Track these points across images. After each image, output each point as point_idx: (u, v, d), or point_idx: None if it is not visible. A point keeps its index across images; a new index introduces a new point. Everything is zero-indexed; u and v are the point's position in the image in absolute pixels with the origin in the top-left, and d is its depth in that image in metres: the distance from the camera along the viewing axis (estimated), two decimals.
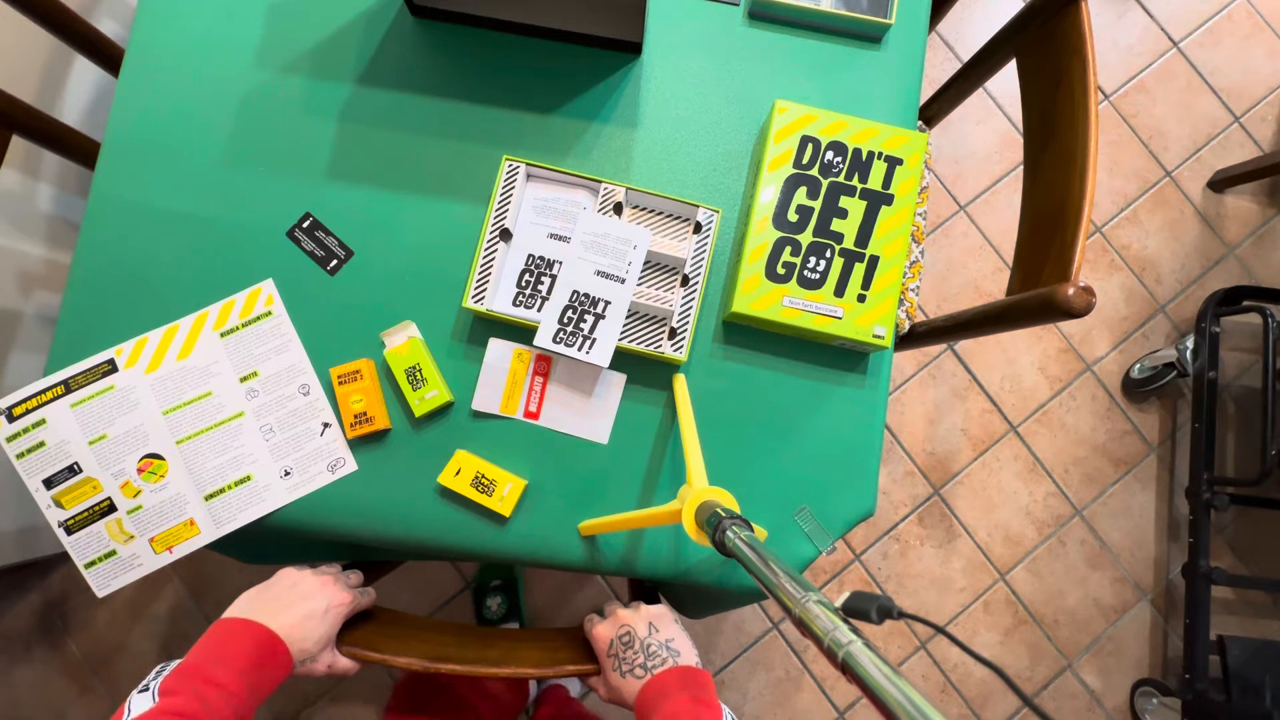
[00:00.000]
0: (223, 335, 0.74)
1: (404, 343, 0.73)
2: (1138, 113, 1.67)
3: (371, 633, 0.74)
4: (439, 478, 0.73)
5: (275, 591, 0.65)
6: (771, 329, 0.76)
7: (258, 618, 0.60)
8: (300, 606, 0.63)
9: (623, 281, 0.71)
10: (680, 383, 0.74)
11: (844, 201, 0.74)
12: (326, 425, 0.74)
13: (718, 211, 0.74)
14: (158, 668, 0.56)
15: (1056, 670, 1.53)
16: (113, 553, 0.71)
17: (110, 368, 0.72)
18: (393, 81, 0.79)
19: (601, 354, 0.70)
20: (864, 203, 0.74)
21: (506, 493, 0.73)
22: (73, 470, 0.70)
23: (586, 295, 0.70)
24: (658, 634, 0.66)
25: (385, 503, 0.74)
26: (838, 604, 0.41)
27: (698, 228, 0.74)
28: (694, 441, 0.65)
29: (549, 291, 0.73)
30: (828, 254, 0.73)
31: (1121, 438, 1.60)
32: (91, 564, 0.71)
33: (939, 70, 1.65)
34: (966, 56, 1.07)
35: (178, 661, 0.56)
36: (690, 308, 0.73)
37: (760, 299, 0.72)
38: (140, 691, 0.53)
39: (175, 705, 0.50)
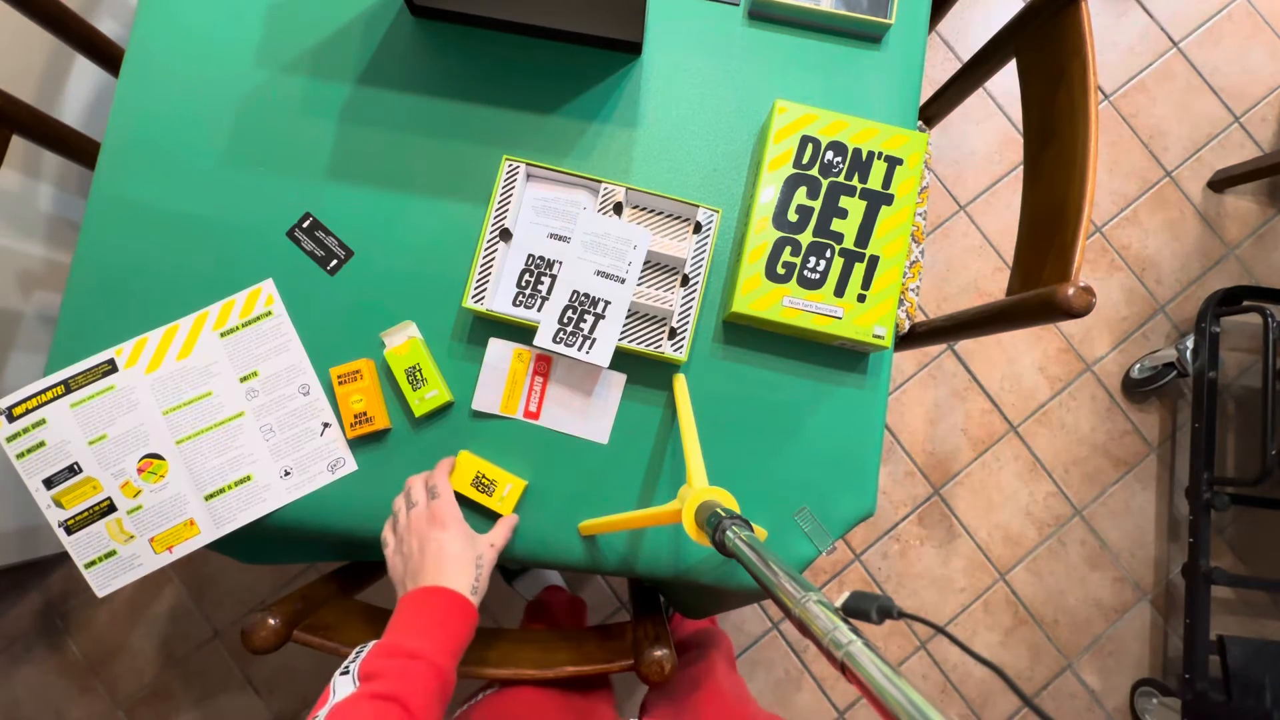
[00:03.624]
0: (223, 335, 0.74)
1: (404, 343, 0.73)
2: (1138, 113, 1.67)
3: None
4: None
5: (433, 559, 0.62)
6: (771, 329, 0.76)
7: (438, 582, 0.59)
8: (459, 568, 0.61)
9: (623, 281, 0.71)
10: (680, 383, 0.74)
11: (844, 201, 0.74)
12: (326, 425, 0.74)
13: (718, 211, 0.74)
14: (356, 650, 0.55)
15: (1056, 670, 1.53)
16: (113, 553, 0.71)
17: (110, 368, 0.72)
18: (393, 81, 0.79)
19: (601, 354, 0.70)
20: (864, 203, 0.74)
21: (506, 493, 0.73)
22: (73, 470, 0.70)
23: (586, 295, 0.70)
24: None
25: (385, 503, 0.74)
26: (838, 604, 0.41)
27: (698, 228, 0.74)
28: (694, 441, 0.65)
29: (549, 291, 0.73)
30: (828, 254, 0.73)
31: (1121, 438, 1.60)
32: (91, 564, 0.71)
33: (939, 70, 1.65)
34: (966, 56, 1.07)
35: (374, 642, 0.55)
36: (690, 308, 0.73)
37: (760, 299, 0.72)
38: (341, 674, 0.52)
39: (379, 689, 0.50)
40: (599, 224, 0.71)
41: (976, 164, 1.65)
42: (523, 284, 0.73)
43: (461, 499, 0.74)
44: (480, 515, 0.74)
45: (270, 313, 0.74)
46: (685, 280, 0.74)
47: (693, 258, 0.74)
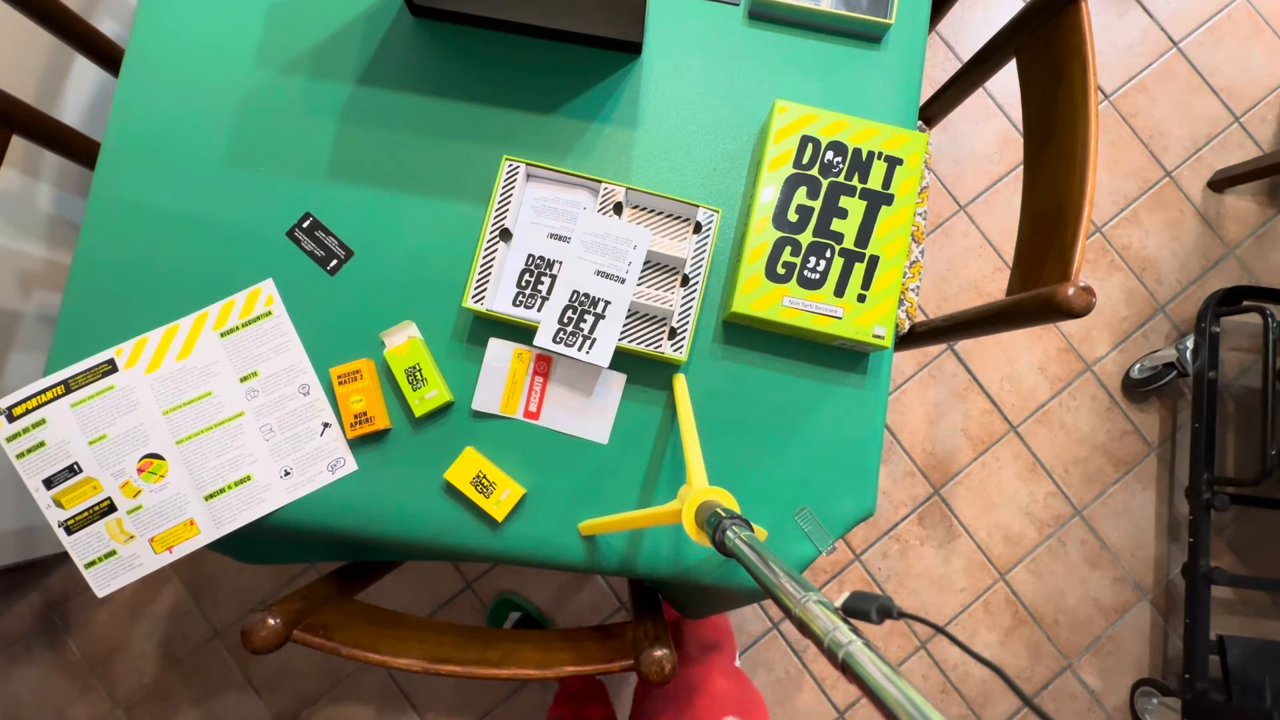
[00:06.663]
0: (223, 335, 0.74)
1: (404, 343, 0.73)
2: (1138, 113, 1.67)
3: (371, 633, 0.74)
4: (446, 473, 0.73)
5: None
6: (771, 329, 0.76)
7: None
8: None
9: (623, 281, 0.71)
10: (680, 383, 0.74)
11: (844, 201, 0.74)
12: (326, 425, 0.74)
13: (718, 211, 0.74)
14: None
15: (1056, 670, 1.53)
16: (113, 553, 0.71)
17: (110, 368, 0.72)
18: (393, 81, 0.79)
19: (601, 354, 0.70)
20: (864, 203, 0.74)
21: (504, 498, 0.72)
22: (73, 470, 0.70)
23: (586, 295, 0.70)
24: None
25: (385, 503, 0.74)
26: (838, 604, 0.41)
27: (698, 228, 0.74)
28: (694, 441, 0.65)
29: (549, 291, 0.73)
30: (828, 254, 0.73)
31: (1121, 438, 1.60)
32: (91, 564, 0.71)
33: (939, 70, 1.65)
34: (966, 56, 1.08)
35: None
36: (690, 308, 0.73)
37: (760, 299, 0.72)
38: None
39: None
40: (599, 224, 0.71)
41: (976, 164, 1.65)
42: (523, 284, 0.73)
43: (462, 500, 0.74)
44: (481, 517, 0.74)
45: (270, 313, 0.74)
46: (685, 280, 0.74)
47: (693, 258, 0.74)
